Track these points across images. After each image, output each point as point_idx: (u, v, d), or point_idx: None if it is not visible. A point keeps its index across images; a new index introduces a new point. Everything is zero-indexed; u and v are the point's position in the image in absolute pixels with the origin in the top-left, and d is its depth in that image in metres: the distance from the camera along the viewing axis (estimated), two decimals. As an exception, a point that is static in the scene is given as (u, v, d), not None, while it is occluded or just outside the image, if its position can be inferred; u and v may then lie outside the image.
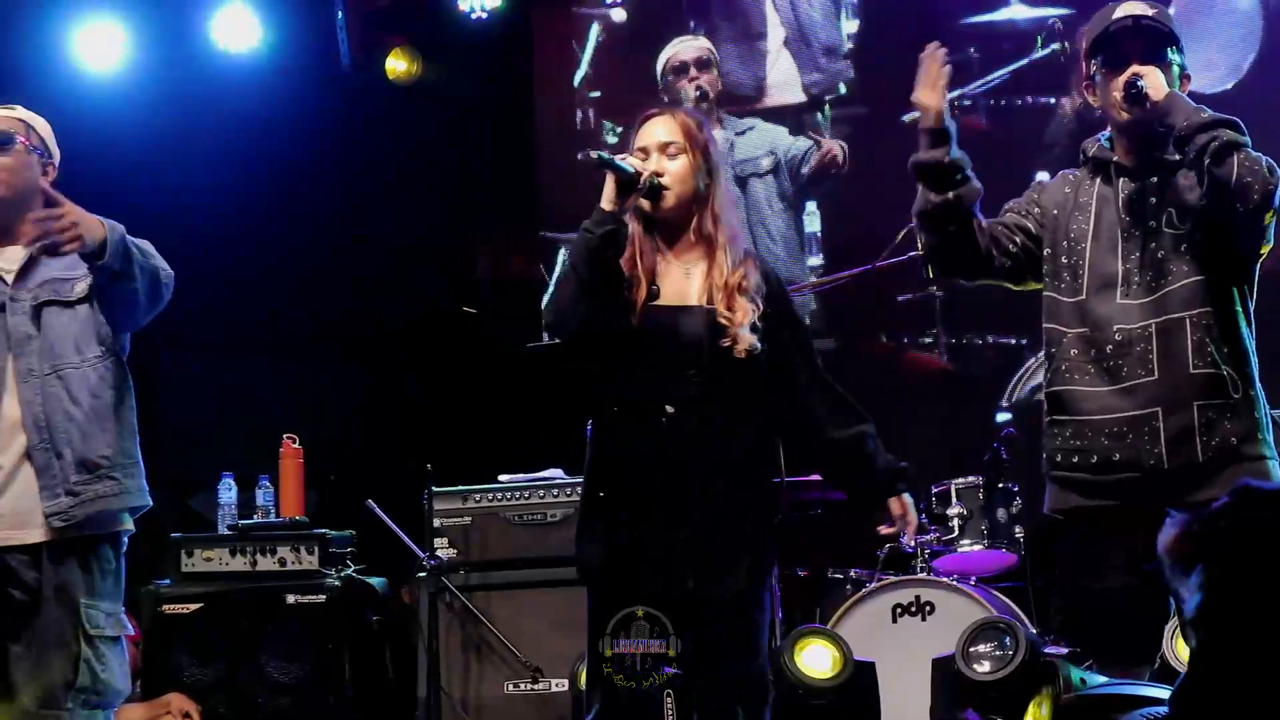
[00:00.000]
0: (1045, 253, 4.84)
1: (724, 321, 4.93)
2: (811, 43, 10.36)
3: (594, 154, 5.08)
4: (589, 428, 5.24)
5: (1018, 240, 4.88)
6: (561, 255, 10.39)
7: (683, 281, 5.07)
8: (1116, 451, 4.60)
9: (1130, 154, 4.76)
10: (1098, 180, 4.81)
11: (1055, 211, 4.84)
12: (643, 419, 5.00)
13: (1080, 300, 4.72)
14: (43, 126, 5.38)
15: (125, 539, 5.30)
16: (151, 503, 5.38)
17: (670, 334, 4.99)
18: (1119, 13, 4.71)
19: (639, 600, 4.90)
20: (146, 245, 5.14)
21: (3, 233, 5.25)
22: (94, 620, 5.05)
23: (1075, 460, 4.69)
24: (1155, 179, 4.68)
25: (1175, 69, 4.70)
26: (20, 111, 5.36)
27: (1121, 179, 4.75)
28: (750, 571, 5.01)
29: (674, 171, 5.00)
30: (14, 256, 5.24)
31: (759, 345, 4.95)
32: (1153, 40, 4.65)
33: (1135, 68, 4.58)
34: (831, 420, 5.09)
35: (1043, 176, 5.11)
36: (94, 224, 4.89)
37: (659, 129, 5.09)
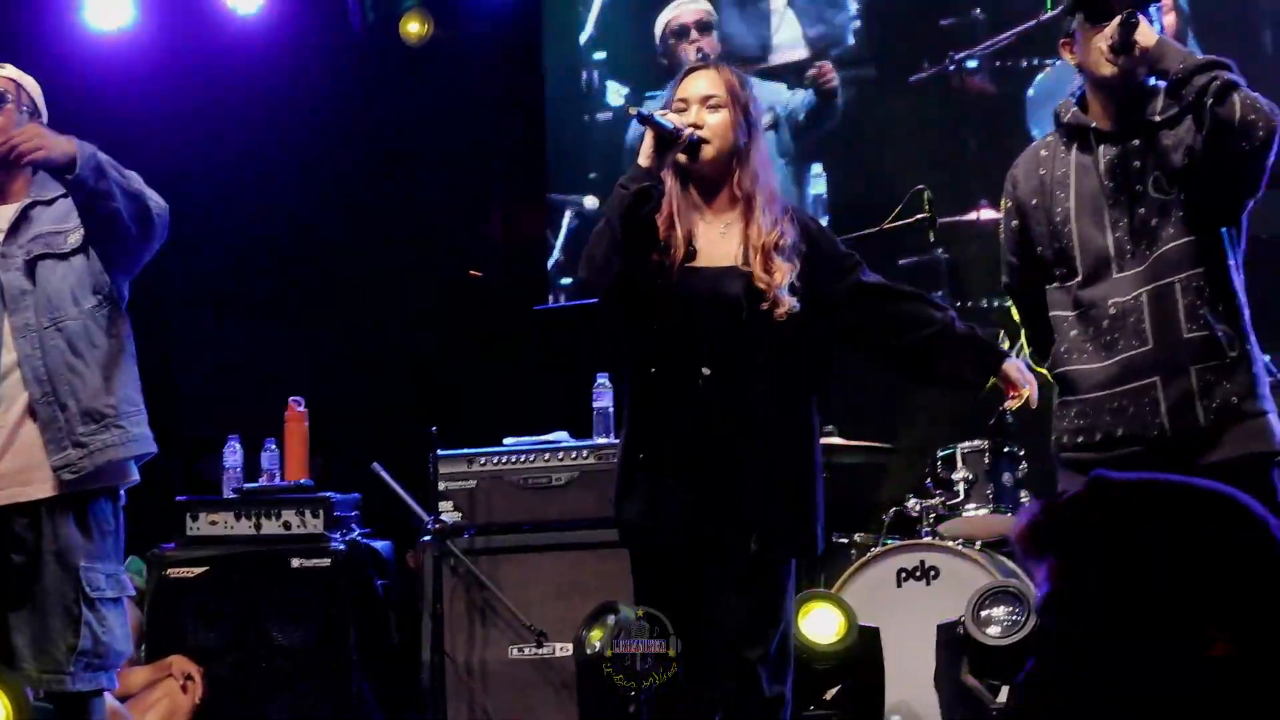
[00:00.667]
0: (1037, 247, 4.82)
1: (761, 285, 4.91)
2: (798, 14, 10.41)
3: (634, 109, 5.06)
4: (625, 388, 5.24)
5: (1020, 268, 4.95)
6: (568, 216, 10.43)
7: (719, 242, 5.04)
8: (1120, 426, 4.61)
9: (1109, 116, 4.71)
10: (1074, 149, 4.76)
11: (1035, 200, 4.81)
12: (680, 381, 4.98)
13: (1077, 282, 4.71)
14: (32, 85, 5.41)
15: (124, 495, 5.35)
16: (157, 449, 5.43)
17: (708, 296, 4.97)
18: None
19: (688, 560, 4.95)
20: (132, 174, 5.14)
21: None
22: (94, 583, 5.11)
23: (1080, 440, 4.71)
24: (1138, 141, 4.64)
25: (1157, 26, 4.67)
26: (10, 70, 5.39)
27: (1101, 145, 4.70)
28: (806, 531, 5.03)
29: (713, 125, 4.98)
30: (5, 215, 5.29)
31: (797, 305, 4.92)
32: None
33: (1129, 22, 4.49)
34: (926, 317, 5.13)
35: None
36: (61, 140, 4.95)
37: (701, 82, 5.07)
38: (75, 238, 5.24)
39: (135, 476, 5.34)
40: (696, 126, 4.92)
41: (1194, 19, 7.52)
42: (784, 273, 4.92)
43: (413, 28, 10.17)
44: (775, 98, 9.60)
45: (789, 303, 4.89)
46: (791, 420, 5.02)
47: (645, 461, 5.01)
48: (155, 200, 5.21)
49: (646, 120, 4.90)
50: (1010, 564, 7.10)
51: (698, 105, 4.98)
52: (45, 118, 5.40)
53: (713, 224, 5.04)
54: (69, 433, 5.09)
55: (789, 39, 10.26)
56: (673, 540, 4.99)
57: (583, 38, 10.74)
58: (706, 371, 4.93)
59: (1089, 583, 2.17)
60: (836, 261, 5.14)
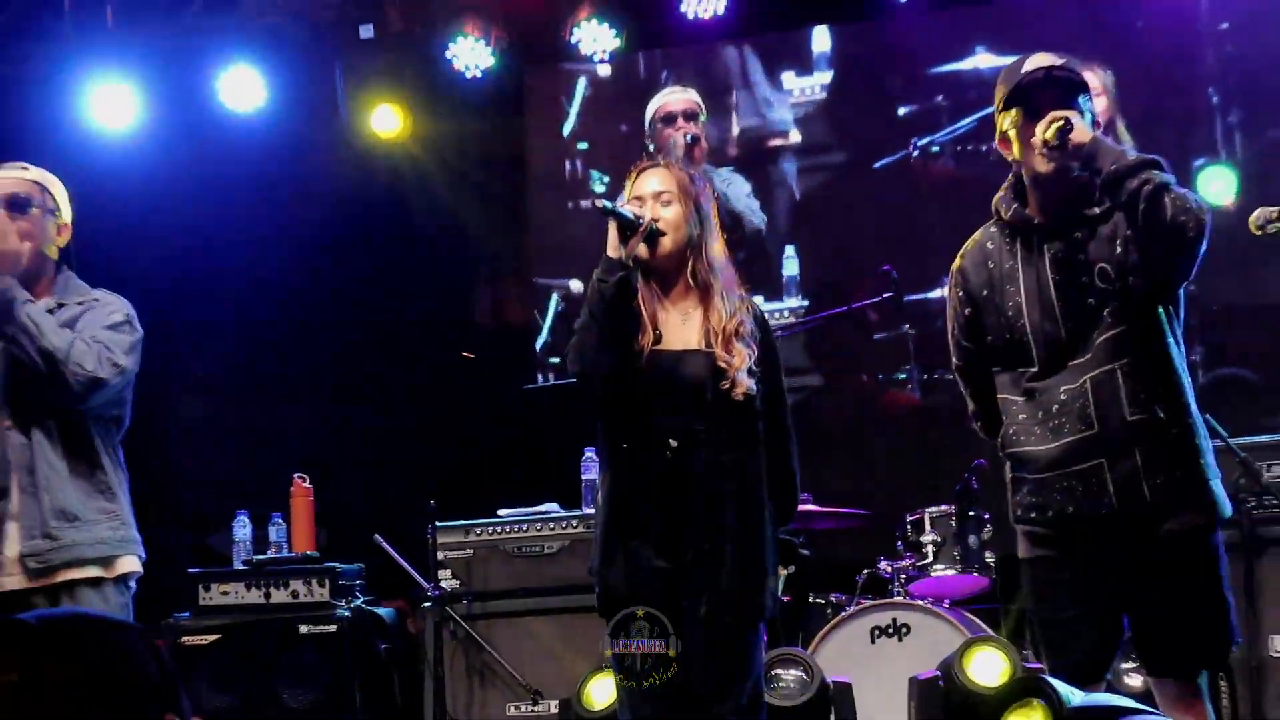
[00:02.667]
0: (988, 333, 4.84)
1: (723, 365, 4.97)
2: (770, 98, 10.51)
3: (600, 202, 5.07)
4: (598, 463, 5.35)
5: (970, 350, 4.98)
6: (554, 299, 10.51)
7: (682, 327, 5.11)
8: (1070, 505, 4.63)
9: (1049, 210, 4.72)
10: (1018, 243, 4.77)
11: (985, 293, 4.84)
12: (649, 454, 5.04)
13: (1033, 371, 4.72)
14: (57, 187, 5.39)
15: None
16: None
17: (674, 376, 5.03)
18: (1030, 65, 4.70)
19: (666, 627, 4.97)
20: (61, 337, 5.10)
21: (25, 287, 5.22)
22: None
23: (1034, 515, 4.73)
24: (1079, 234, 4.67)
25: (1088, 116, 4.67)
26: (34, 172, 5.36)
27: (1044, 240, 4.71)
28: (770, 593, 5.08)
29: (668, 218, 5.06)
30: None
31: (755, 387, 5.01)
32: (1066, 89, 4.64)
33: (1061, 112, 4.51)
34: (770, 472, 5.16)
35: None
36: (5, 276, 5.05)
37: (654, 179, 5.16)
38: None
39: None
40: (654, 219, 5.04)
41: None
42: (743, 357, 5.00)
43: (393, 124, 10.13)
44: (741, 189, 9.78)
45: (747, 384, 4.98)
46: (758, 487, 5.08)
47: (623, 532, 5.06)
48: (80, 369, 5.11)
49: (610, 212, 5.00)
50: (978, 621, 7.20)
51: (651, 200, 5.08)
52: (69, 218, 5.38)
53: (671, 312, 5.13)
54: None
55: (746, 131, 10.48)
56: (651, 608, 5.04)
57: (566, 129, 10.83)
58: (674, 444, 5.01)
59: None
60: (770, 364, 5.23)
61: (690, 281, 5.15)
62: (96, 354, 5.15)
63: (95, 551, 5.20)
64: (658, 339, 5.05)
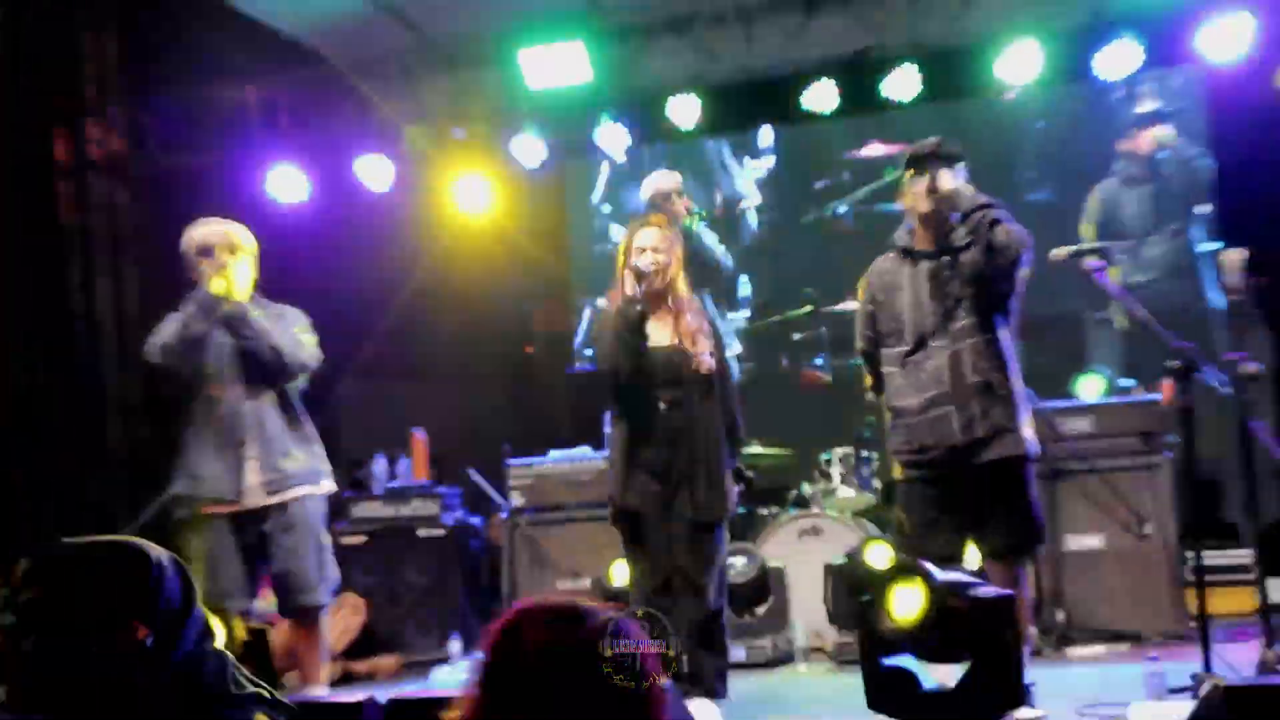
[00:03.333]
0: (881, 327, 4.84)
1: (691, 354, 5.18)
2: (735, 174, 10.59)
3: (632, 265, 5.24)
4: (613, 417, 5.40)
5: (871, 338, 4.95)
6: (587, 311, 10.45)
7: (661, 332, 5.25)
8: (931, 439, 4.66)
9: (927, 241, 4.73)
10: (906, 262, 4.77)
11: (883, 295, 4.82)
12: (647, 413, 5.21)
13: (902, 349, 4.73)
14: (242, 236, 5.33)
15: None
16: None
17: (662, 362, 5.20)
18: (923, 144, 4.76)
19: (661, 529, 5.16)
20: (278, 336, 5.20)
21: None
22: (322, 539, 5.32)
23: (906, 448, 4.75)
24: (946, 258, 4.67)
25: (959, 177, 4.69)
26: (228, 226, 5.33)
27: (922, 261, 4.72)
28: (730, 500, 5.26)
29: (659, 263, 5.22)
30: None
31: (713, 364, 5.20)
32: (945, 159, 4.67)
33: (942, 171, 4.62)
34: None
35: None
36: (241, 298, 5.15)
37: (647, 234, 5.30)
38: None
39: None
40: (653, 264, 5.20)
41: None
42: (705, 346, 5.21)
43: (468, 195, 9.71)
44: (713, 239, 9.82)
45: (708, 363, 5.19)
46: (718, 432, 5.25)
47: (632, 466, 5.20)
48: (294, 359, 5.23)
49: (635, 269, 5.19)
50: (869, 524, 7.20)
51: (649, 250, 5.23)
52: (254, 257, 5.34)
53: (657, 323, 5.25)
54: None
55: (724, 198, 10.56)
56: (652, 517, 5.21)
57: (595, 197, 10.87)
58: (663, 405, 5.20)
59: None
60: (718, 351, 5.37)
61: (670, 304, 5.28)
62: (295, 344, 5.30)
63: (308, 478, 5.28)
64: (647, 339, 5.19)
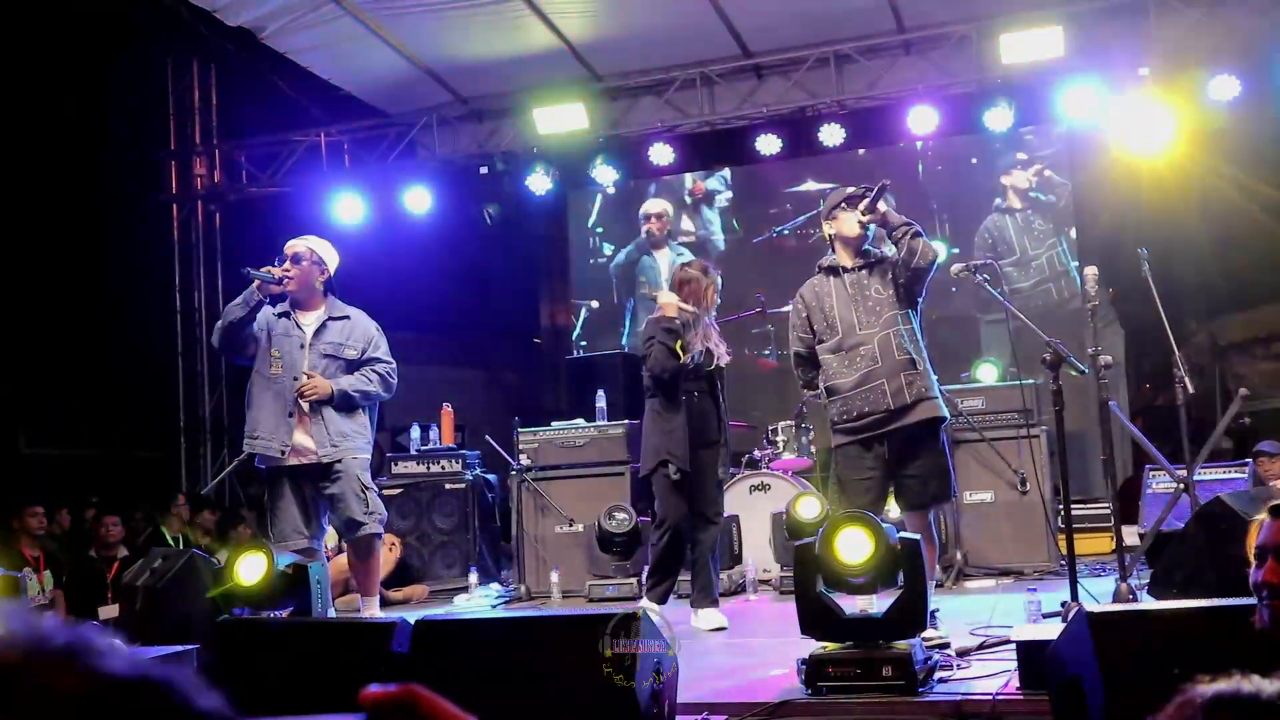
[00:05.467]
0: (815, 329, 4.70)
1: (714, 354, 5.26)
2: (702, 204, 10.41)
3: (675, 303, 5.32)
4: (653, 410, 5.33)
5: (807, 339, 4.79)
6: (583, 311, 10.44)
7: (706, 341, 5.28)
8: (867, 406, 4.51)
9: (849, 259, 4.67)
10: (831, 278, 4.69)
11: (815, 303, 4.70)
12: (680, 399, 5.19)
13: (837, 339, 4.61)
14: (324, 248, 5.18)
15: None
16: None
17: (692, 364, 5.21)
18: (857, 188, 4.70)
19: (694, 477, 5.19)
20: (372, 382, 5.00)
21: (303, 304, 5.09)
22: (366, 481, 5.04)
23: (843, 417, 4.58)
24: (865, 270, 4.63)
25: (889, 203, 4.66)
26: (313, 240, 5.20)
27: (846, 274, 4.65)
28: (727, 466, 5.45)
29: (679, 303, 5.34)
30: (314, 317, 5.09)
31: (729, 358, 5.38)
32: (879, 192, 4.59)
33: (875, 200, 4.56)
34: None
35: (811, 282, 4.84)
36: (325, 388, 4.89)
37: (698, 276, 5.44)
38: (352, 353, 5.05)
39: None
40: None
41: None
42: (721, 347, 5.30)
43: (491, 211, 9.69)
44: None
45: (726, 358, 5.35)
46: (723, 414, 5.33)
47: (679, 438, 5.17)
48: (380, 390, 5.04)
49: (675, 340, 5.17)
50: (806, 483, 7.05)
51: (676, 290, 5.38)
52: (332, 269, 5.14)
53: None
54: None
55: (697, 224, 10.38)
56: (702, 474, 5.23)
57: (590, 221, 10.70)
58: (696, 395, 5.23)
59: None
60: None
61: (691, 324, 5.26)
62: (386, 373, 5.11)
63: (352, 442, 4.99)
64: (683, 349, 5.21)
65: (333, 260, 5.19)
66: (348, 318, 5.14)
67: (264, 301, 4.97)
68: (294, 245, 5.12)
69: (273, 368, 5.00)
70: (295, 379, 4.94)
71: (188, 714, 0.83)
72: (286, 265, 5.01)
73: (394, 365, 5.15)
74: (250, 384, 5.05)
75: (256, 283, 4.92)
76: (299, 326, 5.07)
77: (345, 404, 4.96)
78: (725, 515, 6.48)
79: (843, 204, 4.66)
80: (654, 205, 9.57)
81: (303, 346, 5.01)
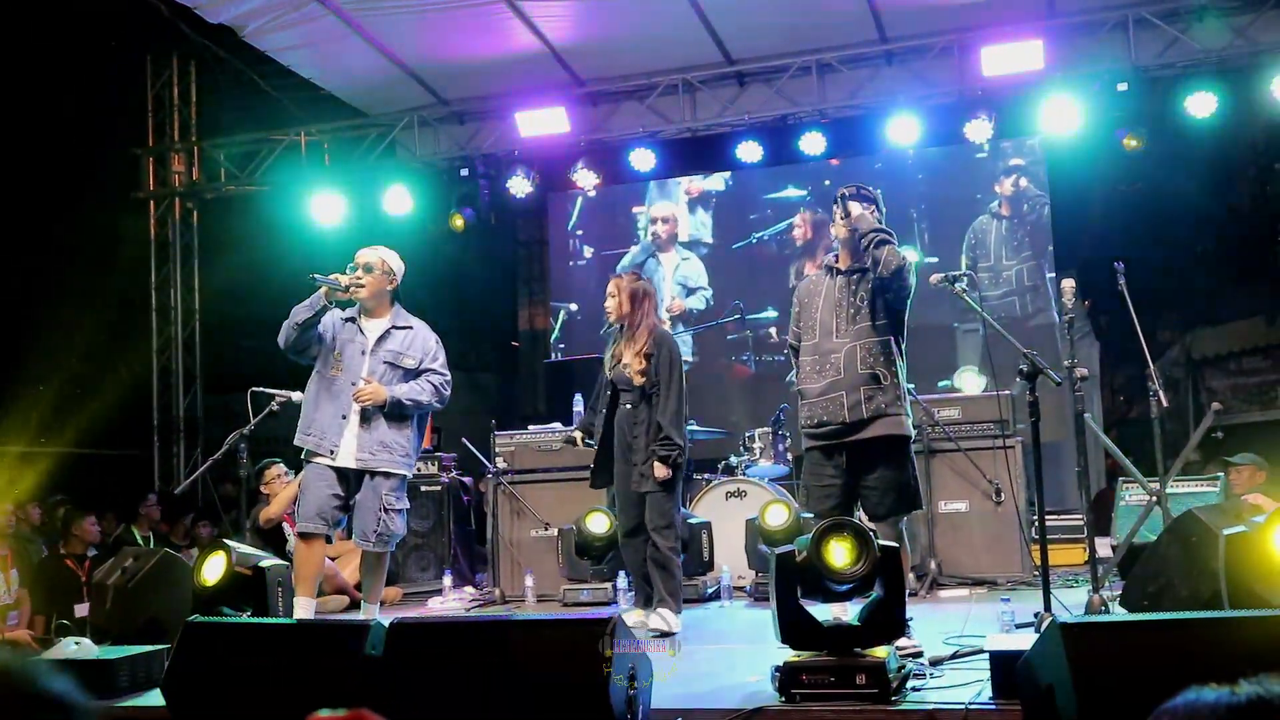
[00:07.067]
0: (800, 326, 4.66)
1: (638, 369, 5.16)
2: (689, 208, 10.40)
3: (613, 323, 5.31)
4: (600, 414, 5.35)
5: (797, 333, 4.73)
6: (562, 314, 10.42)
7: (624, 353, 5.23)
8: (826, 415, 4.46)
9: (846, 261, 4.60)
10: (827, 277, 4.65)
11: (807, 300, 4.66)
12: (616, 407, 5.22)
13: (814, 341, 4.56)
14: (394, 259, 5.12)
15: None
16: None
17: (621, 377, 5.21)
18: (844, 188, 4.65)
19: (625, 492, 5.20)
20: (426, 392, 4.96)
21: (371, 312, 5.06)
22: (390, 502, 4.96)
23: (809, 424, 4.53)
24: (855, 275, 4.54)
25: (871, 211, 4.55)
26: (381, 250, 5.14)
27: (839, 276, 4.59)
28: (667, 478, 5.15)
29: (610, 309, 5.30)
30: (379, 326, 5.07)
31: (653, 382, 5.15)
32: (857, 196, 4.57)
33: (853, 205, 4.52)
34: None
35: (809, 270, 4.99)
36: (381, 395, 4.85)
37: (611, 287, 5.32)
38: (411, 362, 5.03)
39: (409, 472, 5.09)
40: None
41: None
42: (644, 366, 5.18)
43: (457, 222, 9.61)
44: (697, 268, 9.73)
45: (644, 379, 5.17)
46: (659, 426, 5.15)
47: (608, 452, 5.23)
48: (432, 400, 5.01)
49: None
50: (782, 489, 7.05)
51: (611, 298, 5.29)
52: (399, 277, 5.13)
53: (625, 347, 5.26)
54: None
55: (688, 228, 10.37)
56: (618, 485, 5.20)
57: (570, 224, 10.69)
58: (628, 406, 5.17)
59: None
60: (665, 368, 5.23)
61: (631, 333, 5.25)
62: (440, 384, 5.06)
63: (391, 456, 4.96)
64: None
65: (400, 270, 5.18)
66: (411, 328, 5.13)
67: (329, 306, 4.95)
68: (365, 255, 5.08)
69: (333, 369, 5.01)
70: (353, 383, 4.95)
71: (40, 698, 0.91)
72: (358, 274, 5.01)
73: (449, 377, 5.14)
74: (310, 382, 5.06)
75: (324, 289, 4.90)
76: (363, 332, 5.07)
77: (397, 411, 4.96)
78: (697, 522, 6.59)
79: (836, 203, 4.66)
80: (662, 208, 9.57)
81: (364, 352, 5.01)
